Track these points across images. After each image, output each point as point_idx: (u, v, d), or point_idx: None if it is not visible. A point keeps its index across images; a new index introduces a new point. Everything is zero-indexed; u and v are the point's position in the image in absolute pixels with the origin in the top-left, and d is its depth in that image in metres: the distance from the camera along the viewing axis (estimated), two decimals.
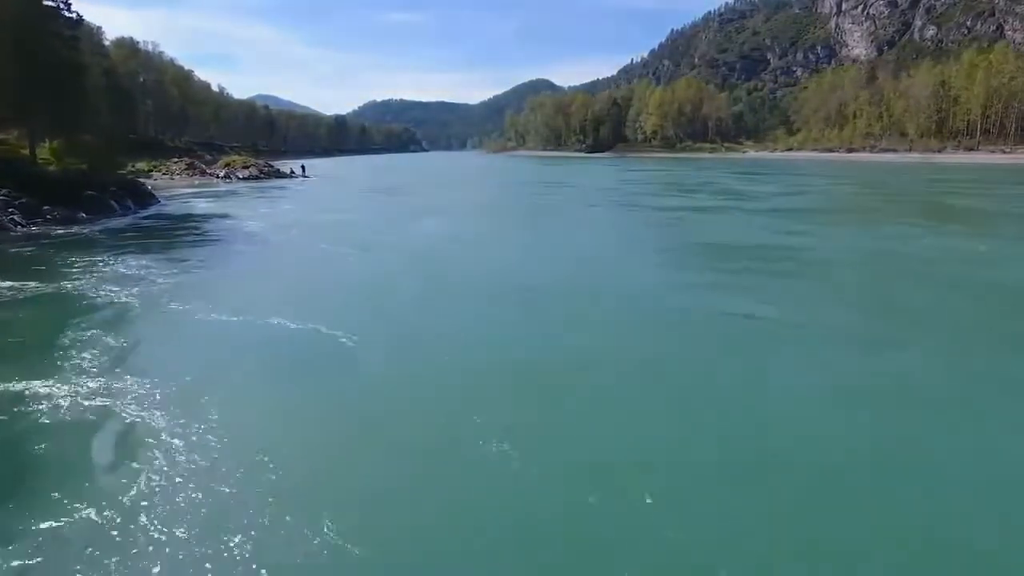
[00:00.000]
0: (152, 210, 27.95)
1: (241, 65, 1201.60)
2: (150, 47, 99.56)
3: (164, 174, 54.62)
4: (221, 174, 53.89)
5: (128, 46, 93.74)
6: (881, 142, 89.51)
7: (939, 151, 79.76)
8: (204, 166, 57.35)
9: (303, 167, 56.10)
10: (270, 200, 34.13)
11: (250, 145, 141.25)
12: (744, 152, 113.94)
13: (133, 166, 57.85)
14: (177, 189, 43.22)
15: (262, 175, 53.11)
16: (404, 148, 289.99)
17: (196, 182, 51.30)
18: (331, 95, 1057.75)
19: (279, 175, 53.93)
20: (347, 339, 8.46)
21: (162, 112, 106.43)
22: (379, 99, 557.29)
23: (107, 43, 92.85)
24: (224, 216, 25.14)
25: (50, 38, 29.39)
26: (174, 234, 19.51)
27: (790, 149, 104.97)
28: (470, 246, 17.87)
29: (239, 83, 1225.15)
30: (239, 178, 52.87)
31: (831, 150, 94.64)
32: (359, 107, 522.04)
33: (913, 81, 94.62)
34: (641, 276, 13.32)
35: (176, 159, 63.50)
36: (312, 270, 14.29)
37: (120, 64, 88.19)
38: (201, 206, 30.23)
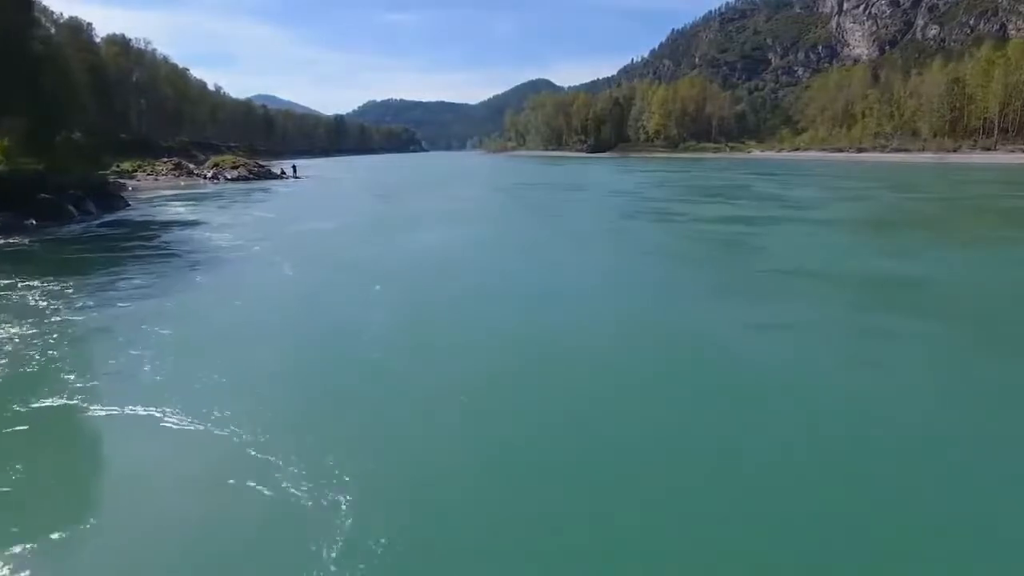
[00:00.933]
0: (116, 216, 24.68)
1: (241, 65, 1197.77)
2: (142, 44, 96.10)
3: (149, 175, 51.37)
4: (209, 175, 50.68)
5: (119, 43, 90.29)
6: (892, 142, 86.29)
7: (954, 150, 76.52)
8: (192, 166, 54.11)
9: (294, 168, 52.85)
10: (251, 204, 30.85)
11: (247, 145, 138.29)
12: (749, 152, 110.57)
13: (118, 166, 54.90)
14: (157, 191, 39.98)
15: (251, 176, 49.84)
16: (404, 148, 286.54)
17: (182, 183, 48.08)
18: (331, 95, 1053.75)
19: (269, 176, 50.69)
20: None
21: (156, 111, 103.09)
22: (379, 99, 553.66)
23: (99, 40, 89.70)
24: (191, 224, 21.87)
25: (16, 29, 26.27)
26: (122, 248, 16.21)
27: (797, 149, 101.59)
28: (479, 274, 13.44)
29: (239, 83, 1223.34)
30: (227, 179, 49.66)
31: (840, 150, 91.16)
32: (359, 107, 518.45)
33: (923, 79, 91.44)
34: (753, 340, 8.36)
35: (165, 159, 60.35)
36: (252, 322, 9.57)
37: (110, 61, 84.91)
38: (173, 211, 26.97)
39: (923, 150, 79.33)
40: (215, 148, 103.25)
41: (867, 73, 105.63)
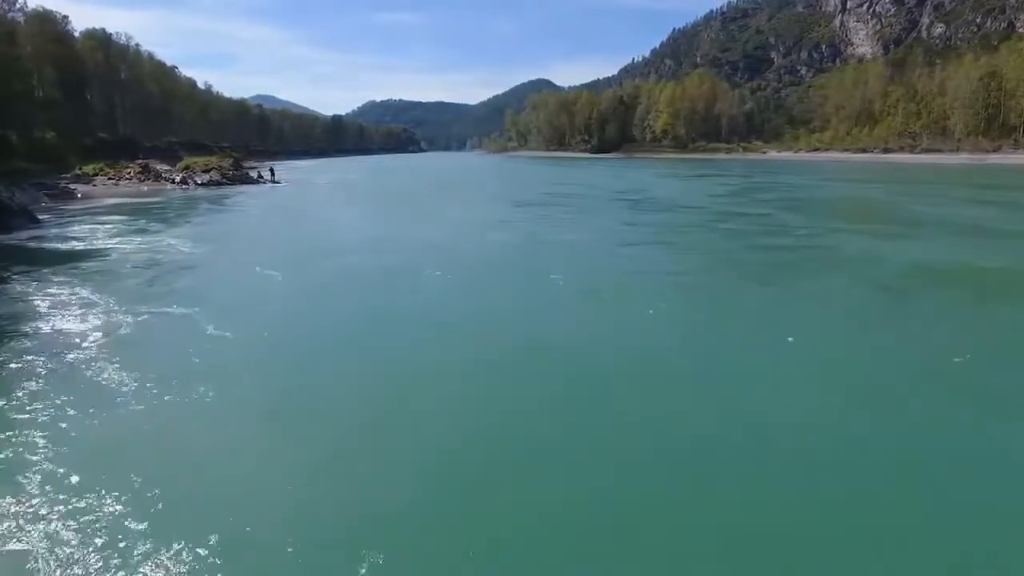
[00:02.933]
0: (11, 236, 18.08)
1: (241, 65, 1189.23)
2: (124, 39, 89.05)
3: (111, 178, 44.78)
4: (178, 178, 43.99)
5: (98, 38, 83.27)
6: (921, 141, 79.41)
7: (994, 150, 69.62)
8: (164, 168, 47.41)
9: (272, 170, 45.96)
10: (204, 218, 24.02)
11: (241, 145, 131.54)
12: (764, 153, 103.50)
13: (80, 168, 48.35)
14: (107, 199, 33.19)
15: (224, 180, 43.07)
16: (403, 148, 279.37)
17: (145, 188, 41.32)
18: (330, 95, 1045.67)
19: (244, 180, 43.89)
20: None
21: (141, 110, 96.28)
22: (378, 99, 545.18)
23: (77, 34, 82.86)
24: (97, 255, 15.09)
25: None
26: None
27: (816, 149, 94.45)
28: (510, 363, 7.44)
29: (239, 83, 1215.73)
30: (196, 183, 42.94)
31: (864, 150, 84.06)
32: (358, 107, 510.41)
33: (948, 74, 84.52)
34: None
35: (138, 161, 53.61)
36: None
37: (88, 56, 78.02)
38: (100, 228, 20.15)
39: (957, 150, 72.57)
40: (205, 148, 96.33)
41: (884, 69, 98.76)
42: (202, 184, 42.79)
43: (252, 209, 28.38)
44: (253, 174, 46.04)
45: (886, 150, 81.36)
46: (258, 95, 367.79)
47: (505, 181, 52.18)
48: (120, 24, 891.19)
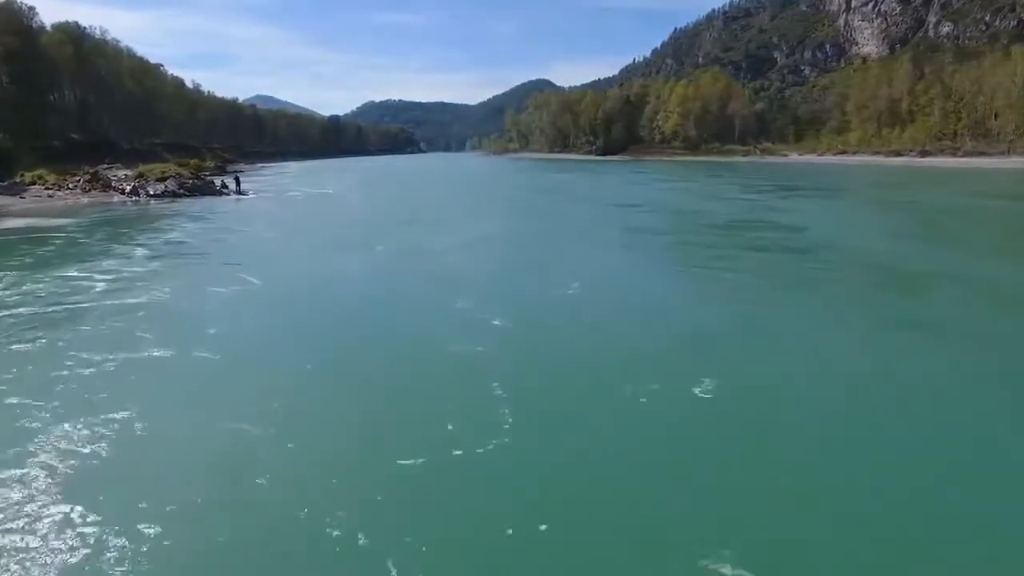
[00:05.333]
0: None
1: (241, 66, 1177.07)
2: (97, 32, 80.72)
3: (49, 187, 37.07)
4: (127, 188, 36.16)
5: (68, 31, 75.03)
6: (963, 143, 71.37)
7: None
8: (113, 176, 39.57)
9: (237, 180, 37.84)
10: (107, 263, 16.00)
11: (234, 146, 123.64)
12: (784, 156, 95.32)
13: (21, 175, 40.64)
14: (8, 220, 25.36)
15: (182, 191, 35.17)
16: (401, 149, 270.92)
17: (85, 201, 33.67)
18: (330, 95, 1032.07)
19: (206, 191, 35.90)
20: None
21: (120, 110, 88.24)
22: (377, 99, 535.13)
23: (48, 27, 74.74)
24: None
25: None
26: None
27: (843, 152, 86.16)
28: None
29: (238, 83, 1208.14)
30: (149, 194, 35.13)
31: (898, 153, 76.09)
32: (357, 108, 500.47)
33: (986, 71, 76.49)
34: None
35: (102, 166, 45.80)
36: None
37: (53, 51, 69.87)
38: None
39: (1008, 153, 64.71)
40: (192, 150, 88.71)
41: (910, 67, 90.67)
42: (155, 195, 34.98)
43: (208, 240, 20.16)
44: (219, 181, 38.13)
45: (923, 153, 73.39)
46: (257, 95, 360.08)
47: (532, 194, 42.54)
48: (120, 24, 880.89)
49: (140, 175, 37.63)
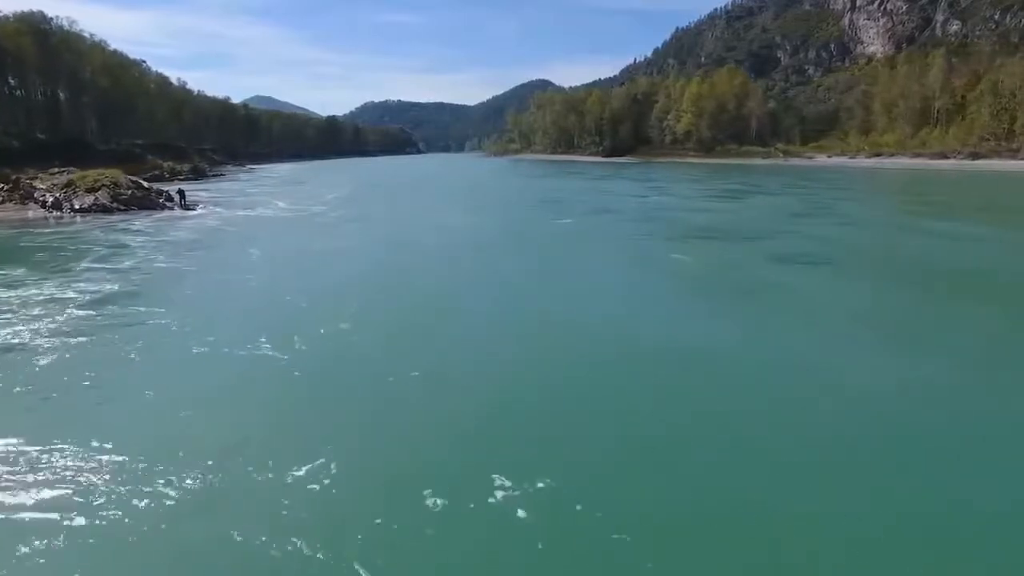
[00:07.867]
0: None
1: (240, 66, 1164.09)
2: (65, 23, 72.13)
3: None
4: (50, 201, 27.96)
5: (29, 22, 66.50)
6: (1022, 145, 63.06)
7: None
8: (37, 187, 31.28)
9: (181, 192, 29.57)
10: None
11: (225, 147, 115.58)
12: (810, 158, 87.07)
13: None
14: None
15: (114, 204, 26.98)
16: (400, 150, 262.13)
17: None
18: (329, 96, 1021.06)
19: (146, 204, 27.70)
20: None
21: (97, 108, 79.95)
22: (377, 100, 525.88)
23: (10, 17, 66.41)
24: None
25: None
26: None
27: (878, 154, 77.92)
28: None
29: (237, 83, 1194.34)
30: (74, 208, 26.96)
31: (944, 155, 68.37)
32: (357, 108, 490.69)
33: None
34: None
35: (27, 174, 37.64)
36: None
37: (8, 42, 61.49)
38: None
39: None
40: (178, 151, 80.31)
41: (944, 62, 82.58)
42: (81, 210, 26.81)
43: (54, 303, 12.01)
44: (170, 189, 29.86)
45: (974, 155, 65.40)
46: (256, 95, 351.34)
47: (556, 201, 34.73)
48: (120, 24, 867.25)
49: (68, 185, 29.38)
